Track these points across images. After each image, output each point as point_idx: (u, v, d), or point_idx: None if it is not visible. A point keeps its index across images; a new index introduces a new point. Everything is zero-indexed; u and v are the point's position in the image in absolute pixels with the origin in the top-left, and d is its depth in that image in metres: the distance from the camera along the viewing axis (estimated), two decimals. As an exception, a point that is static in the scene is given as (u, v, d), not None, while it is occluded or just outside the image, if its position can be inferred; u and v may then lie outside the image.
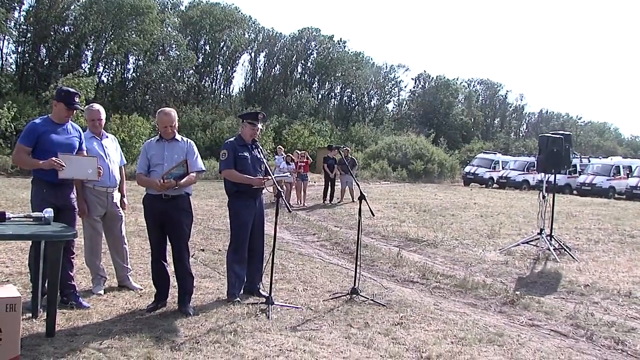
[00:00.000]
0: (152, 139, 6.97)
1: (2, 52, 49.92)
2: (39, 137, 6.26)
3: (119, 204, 7.54)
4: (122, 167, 7.73)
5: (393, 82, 78.37)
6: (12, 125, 33.48)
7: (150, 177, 6.60)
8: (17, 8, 49.06)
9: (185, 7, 62.71)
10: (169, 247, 6.82)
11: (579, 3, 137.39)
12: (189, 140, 6.93)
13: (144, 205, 6.76)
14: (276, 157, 23.40)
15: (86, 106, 7.60)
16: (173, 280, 6.84)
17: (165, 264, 6.82)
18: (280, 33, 68.88)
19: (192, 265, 7.00)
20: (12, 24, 48.34)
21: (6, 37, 48.64)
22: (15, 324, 4.65)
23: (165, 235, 6.74)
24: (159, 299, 6.73)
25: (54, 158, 6.15)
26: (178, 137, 6.79)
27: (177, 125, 6.78)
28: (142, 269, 8.38)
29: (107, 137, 7.51)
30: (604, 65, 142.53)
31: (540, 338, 6.55)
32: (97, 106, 7.41)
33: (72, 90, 6.68)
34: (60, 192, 6.40)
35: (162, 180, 6.39)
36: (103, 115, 7.37)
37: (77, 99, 6.50)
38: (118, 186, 7.50)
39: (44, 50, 51.67)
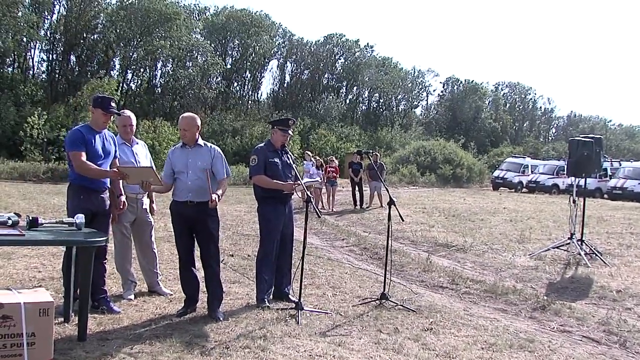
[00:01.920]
0: (177, 145, 6.97)
1: (33, 60, 50.70)
2: (86, 144, 6.34)
3: (148, 210, 7.61)
4: None
5: (421, 87, 78.29)
6: (44, 132, 33.93)
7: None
8: (48, 17, 49.81)
9: (213, 13, 63.09)
10: (197, 253, 6.86)
11: (607, 6, 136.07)
12: (214, 146, 6.92)
13: (171, 211, 6.77)
14: (304, 162, 23.37)
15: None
16: (202, 286, 6.87)
17: (195, 269, 6.86)
18: (309, 40, 69.16)
19: (221, 271, 7.02)
20: (42, 33, 49.03)
21: (37, 46, 49.37)
22: (48, 328, 4.71)
23: (194, 241, 6.78)
24: (189, 304, 6.75)
25: (116, 169, 6.39)
26: (201, 142, 6.77)
27: (198, 130, 6.75)
28: (172, 274, 8.42)
29: (137, 143, 7.56)
30: (634, 68, 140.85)
31: (572, 344, 6.49)
32: (128, 112, 7.48)
33: (107, 96, 6.80)
34: (97, 198, 6.48)
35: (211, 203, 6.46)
36: (134, 121, 7.43)
37: (112, 104, 6.58)
38: (147, 192, 7.56)
39: (74, 58, 52.32)
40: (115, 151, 6.74)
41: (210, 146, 6.86)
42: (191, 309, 6.72)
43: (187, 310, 6.67)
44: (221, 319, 6.46)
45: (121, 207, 6.89)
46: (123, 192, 6.91)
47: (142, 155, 7.52)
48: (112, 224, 7.14)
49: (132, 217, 7.36)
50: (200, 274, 6.88)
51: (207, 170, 6.55)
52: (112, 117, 6.64)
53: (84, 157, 6.26)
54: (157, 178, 6.46)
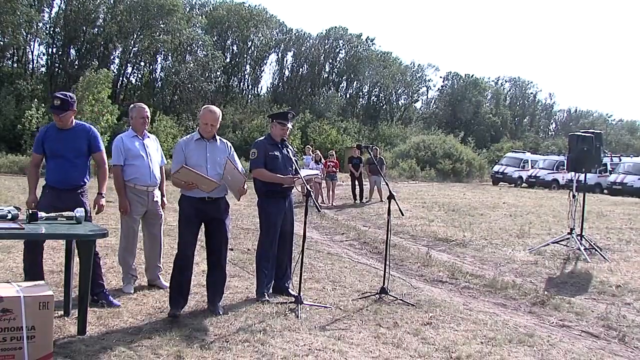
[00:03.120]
0: (189, 137, 6.76)
1: (32, 54, 50.63)
2: (43, 143, 6.47)
3: (159, 203, 7.60)
4: (162, 167, 7.77)
5: (421, 81, 78.17)
6: (43, 126, 33.90)
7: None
8: (48, 11, 49.73)
9: (212, 6, 62.91)
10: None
11: (608, 0, 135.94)
12: (227, 141, 6.89)
13: (182, 207, 6.56)
14: (304, 156, 23.34)
15: (132, 105, 7.66)
16: (202, 280, 6.86)
17: (191, 272, 6.70)
18: (309, 33, 68.95)
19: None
20: (42, 26, 48.93)
21: (36, 39, 49.28)
22: (48, 322, 4.71)
23: (197, 238, 6.69)
24: (179, 306, 6.48)
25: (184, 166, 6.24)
26: (217, 137, 6.71)
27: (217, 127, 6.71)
28: (172, 267, 8.40)
29: (148, 137, 7.57)
30: (635, 63, 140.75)
31: (571, 339, 6.49)
32: (142, 104, 7.57)
33: (56, 94, 6.56)
34: (63, 196, 6.38)
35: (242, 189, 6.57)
36: (149, 113, 7.53)
37: (55, 102, 6.34)
38: (158, 185, 7.57)
39: (74, 52, 52.24)
40: (92, 144, 6.58)
41: (226, 141, 6.83)
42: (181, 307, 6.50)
43: (178, 312, 6.39)
44: (221, 313, 6.45)
45: (97, 208, 6.79)
46: (103, 194, 6.80)
47: (153, 149, 7.54)
48: (121, 217, 7.19)
49: (143, 209, 7.38)
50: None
51: (236, 166, 6.55)
52: (58, 115, 6.37)
53: (34, 159, 6.60)
54: (211, 188, 6.32)
